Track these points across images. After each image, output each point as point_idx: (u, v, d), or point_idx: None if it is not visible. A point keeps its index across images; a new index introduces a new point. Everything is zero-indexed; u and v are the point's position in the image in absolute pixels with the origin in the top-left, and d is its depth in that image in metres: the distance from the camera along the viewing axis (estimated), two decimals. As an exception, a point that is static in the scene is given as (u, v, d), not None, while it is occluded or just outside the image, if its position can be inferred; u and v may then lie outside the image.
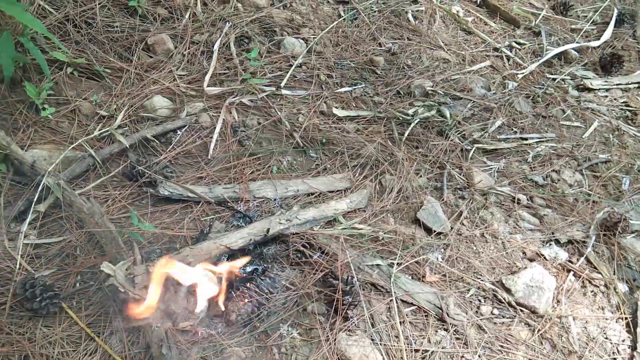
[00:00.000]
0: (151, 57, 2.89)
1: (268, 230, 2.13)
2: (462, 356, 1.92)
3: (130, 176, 2.33)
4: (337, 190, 2.53)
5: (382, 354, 1.86)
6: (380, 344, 1.90)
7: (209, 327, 1.85)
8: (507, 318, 2.12)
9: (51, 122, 2.44)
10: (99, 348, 1.74)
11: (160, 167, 2.38)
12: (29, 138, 2.35)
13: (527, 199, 2.71)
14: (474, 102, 3.23)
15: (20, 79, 2.48)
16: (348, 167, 2.65)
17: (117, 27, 2.90)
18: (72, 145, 2.30)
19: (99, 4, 2.90)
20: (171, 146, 2.53)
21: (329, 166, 2.65)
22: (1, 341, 1.71)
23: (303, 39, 3.30)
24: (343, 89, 3.10)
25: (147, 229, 2.07)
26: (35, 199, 2.07)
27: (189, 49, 2.99)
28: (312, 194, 2.49)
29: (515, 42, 3.92)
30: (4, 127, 2.33)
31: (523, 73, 3.61)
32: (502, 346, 1.98)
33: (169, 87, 2.76)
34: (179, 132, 2.61)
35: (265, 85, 2.94)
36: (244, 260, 1.99)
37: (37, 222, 2.06)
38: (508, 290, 2.19)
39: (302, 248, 2.18)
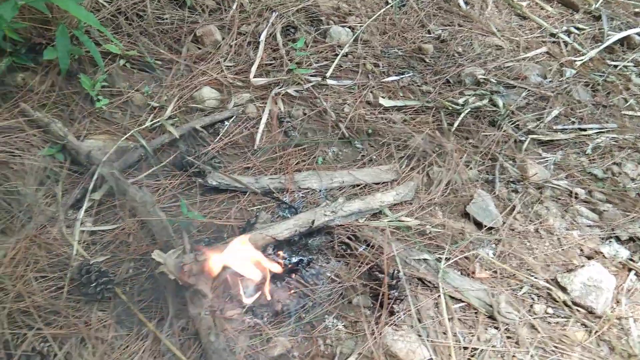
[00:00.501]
0: (200, 48, 2.93)
1: (313, 221, 2.12)
2: (514, 356, 1.85)
3: (180, 166, 2.37)
4: (383, 182, 2.48)
5: (429, 350, 1.82)
6: (428, 340, 1.86)
7: (255, 317, 1.86)
8: (562, 318, 2.03)
9: (105, 113, 2.52)
10: (150, 333, 1.79)
11: (208, 157, 2.41)
12: (85, 129, 2.44)
13: (586, 193, 2.58)
14: (528, 90, 3.09)
15: (75, 71, 2.57)
16: (394, 159, 2.60)
17: (167, 19, 2.95)
18: (125, 136, 2.36)
19: (150, -3, 2.96)
20: (219, 137, 2.56)
21: (374, 157, 2.61)
22: (59, 324, 1.79)
23: (349, 27, 3.26)
24: (390, 78, 3.04)
25: (196, 218, 2.10)
26: (90, 188, 2.15)
27: (236, 39, 3.00)
28: (358, 185, 2.46)
29: (574, 27, 3.72)
30: (61, 118, 2.42)
31: (582, 60, 3.42)
32: (556, 347, 1.90)
33: (217, 78, 2.79)
34: (226, 123, 2.63)
35: (311, 76, 2.92)
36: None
37: (93, 210, 2.14)
38: (564, 289, 2.09)
39: (347, 240, 2.16)
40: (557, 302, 2.06)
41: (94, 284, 1.84)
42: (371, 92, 2.92)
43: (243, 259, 1.84)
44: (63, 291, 1.88)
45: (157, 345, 1.77)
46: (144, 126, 2.47)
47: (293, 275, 1.98)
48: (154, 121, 2.50)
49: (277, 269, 1.92)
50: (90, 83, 2.50)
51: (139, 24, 2.87)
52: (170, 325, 1.82)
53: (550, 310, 2.03)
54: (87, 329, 1.79)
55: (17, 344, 1.71)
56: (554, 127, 2.91)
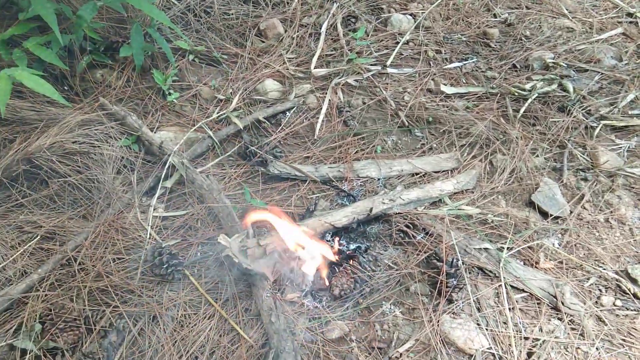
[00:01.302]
0: (263, 41, 3.02)
1: (371, 209, 2.15)
2: (578, 347, 1.80)
3: (244, 156, 2.48)
4: (444, 171, 2.46)
5: (487, 339, 1.80)
6: (487, 329, 1.84)
7: (314, 300, 1.93)
8: (632, 310, 1.93)
9: (176, 106, 2.67)
10: (216, 313, 1.90)
11: (270, 147, 2.50)
12: (157, 121, 2.60)
13: (664, 182, 2.42)
14: (602, 74, 2.92)
15: (149, 67, 2.74)
16: (456, 147, 2.56)
17: (232, 14, 3.06)
18: (194, 128, 2.50)
19: (216, -7, 3.08)
20: (280, 127, 2.64)
21: (435, 146, 2.59)
22: (134, 302, 1.95)
23: (411, 14, 3.23)
24: (452, 65, 2.98)
25: (258, 205, 2.19)
26: (162, 176, 2.30)
27: (297, 31, 3.07)
28: (417, 174, 2.45)
29: (656, 5, 3.46)
30: (136, 111, 2.60)
31: (664, 40, 3.18)
32: (624, 340, 1.82)
33: (279, 71, 2.87)
34: (287, 114, 2.71)
35: (371, 65, 2.93)
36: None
37: (165, 196, 2.29)
38: (634, 281, 1.99)
39: (405, 228, 2.17)
40: (627, 294, 1.96)
41: (165, 266, 1.97)
42: (432, 79, 2.88)
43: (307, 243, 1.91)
44: (137, 272, 2.03)
45: (223, 324, 1.88)
46: (211, 118, 2.59)
47: (351, 262, 2.02)
48: (220, 113, 2.62)
49: (332, 255, 1.97)
50: (162, 78, 2.66)
51: (207, 20, 3.00)
52: (235, 306, 1.92)
53: (619, 303, 1.94)
54: (159, 307, 1.92)
55: (96, 319, 1.87)
56: (629, 112, 2.74)
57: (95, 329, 1.83)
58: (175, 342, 1.83)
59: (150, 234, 2.15)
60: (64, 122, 2.29)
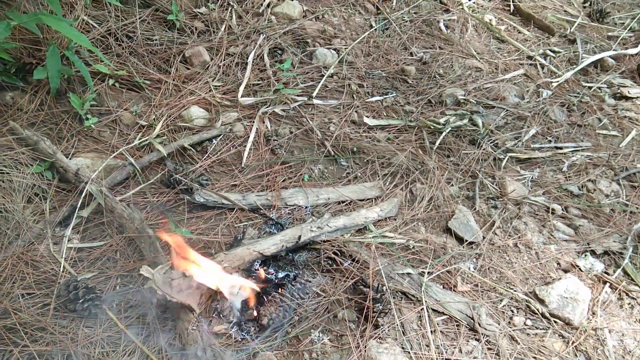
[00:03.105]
0: (188, 68, 3.00)
1: (300, 237, 2.17)
2: (494, 367, 1.91)
3: (168, 184, 2.41)
4: (368, 199, 2.55)
5: (412, 362, 1.86)
6: (411, 352, 1.90)
7: (242, 331, 1.89)
8: (541, 329, 2.09)
9: (94, 132, 2.56)
10: (137, 349, 1.80)
11: (196, 175, 2.45)
12: (73, 147, 2.47)
13: (562, 209, 2.67)
14: (507, 110, 3.20)
15: (65, 91, 2.61)
16: (379, 176, 2.67)
17: (156, 40, 3.02)
18: (114, 154, 2.40)
19: (139, 19, 3.02)
20: (207, 155, 2.61)
21: (359, 175, 2.68)
22: (45, 340, 1.80)
23: (335, 49, 3.36)
24: (374, 98, 3.13)
25: (183, 234, 2.13)
26: (78, 205, 2.17)
27: (224, 60, 3.08)
28: (343, 202, 2.52)
29: (550, 50, 3.87)
30: (49, 136, 2.45)
31: (558, 81, 3.56)
32: (535, 357, 1.95)
33: (205, 98, 2.85)
34: (214, 141, 2.68)
35: (298, 95, 3.00)
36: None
37: (80, 227, 2.16)
38: (542, 301, 2.16)
39: (333, 255, 2.20)
40: (536, 314, 2.12)
41: (81, 301, 1.85)
42: (356, 111, 3.00)
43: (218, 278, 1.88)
44: (50, 308, 1.89)
45: (145, 361, 1.79)
46: (132, 144, 2.51)
47: (280, 290, 2.02)
48: (142, 140, 2.54)
49: (257, 286, 1.95)
50: (79, 102, 2.54)
51: (129, 44, 2.93)
52: (158, 341, 1.84)
53: (529, 322, 2.10)
54: (74, 345, 1.79)
55: (3, 361, 1.71)
56: (532, 146, 3.02)
57: (-1, 372, 1.67)
58: (92, 382, 1.71)
59: (64, 267, 2.01)
60: (-33, 146, 2.11)
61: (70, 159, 2.37)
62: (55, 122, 2.53)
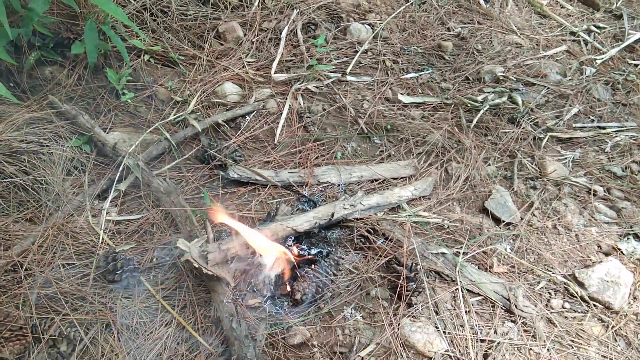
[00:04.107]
0: (222, 44, 2.98)
1: (333, 214, 2.15)
2: (530, 349, 1.87)
3: (202, 159, 2.43)
4: (402, 177, 2.51)
5: (446, 342, 1.84)
6: (445, 331, 1.88)
7: (275, 305, 1.90)
8: (579, 313, 2.03)
9: (130, 107, 2.58)
10: (174, 320, 1.84)
11: (229, 151, 2.46)
12: (110, 121, 2.50)
13: (604, 191, 2.57)
14: (548, 88, 3.08)
15: (102, 66, 2.64)
16: (413, 154, 2.62)
17: (190, 15, 3.01)
18: (150, 129, 2.42)
19: (174, -6, 3.01)
20: (240, 131, 2.61)
21: (393, 153, 2.64)
22: (85, 309, 1.85)
23: (369, 24, 3.28)
24: (409, 75, 3.06)
25: (219, 208, 2.15)
26: (116, 179, 2.21)
27: (257, 36, 3.05)
28: (376, 180, 2.49)
29: (594, 26, 3.69)
30: (87, 110, 2.49)
31: (602, 59, 3.40)
32: (572, 341, 1.91)
33: (239, 74, 2.83)
34: (247, 118, 2.68)
35: (331, 72, 2.95)
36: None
37: (118, 200, 2.20)
38: (581, 284, 2.10)
39: (366, 233, 2.19)
40: (575, 297, 2.06)
41: (119, 271, 1.89)
42: (390, 88, 2.94)
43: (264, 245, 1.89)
44: (89, 278, 1.94)
45: (180, 332, 1.82)
46: (167, 120, 2.52)
47: (312, 266, 2.02)
48: (177, 115, 2.55)
49: (292, 256, 1.96)
50: (116, 77, 2.56)
51: (163, 20, 2.93)
52: (193, 313, 1.87)
53: (567, 305, 2.04)
54: (112, 314, 1.84)
55: (45, 328, 1.77)
56: (573, 125, 2.91)
57: (43, 338, 1.73)
58: (130, 350, 1.75)
59: (102, 239, 2.06)
60: (10, 119, 2.16)
61: (107, 133, 2.41)
62: (93, 96, 2.56)
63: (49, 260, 1.96)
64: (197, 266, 1.79)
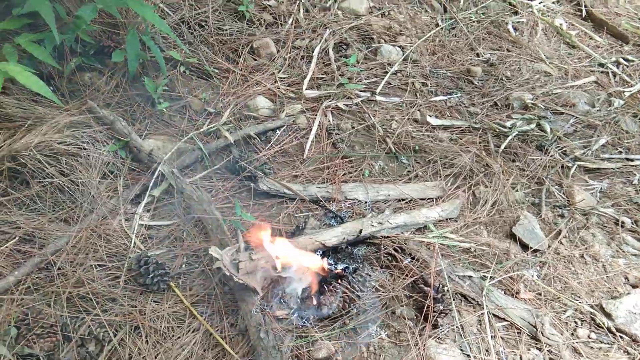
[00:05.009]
0: (255, 59, 3.05)
1: (361, 231, 2.17)
2: (557, 378, 1.85)
3: (233, 170, 2.46)
4: (429, 198, 2.52)
5: (471, 365, 1.84)
6: (471, 355, 1.87)
7: (302, 318, 1.91)
8: (606, 344, 2.01)
9: (165, 116, 2.64)
10: (201, 326, 1.85)
11: (259, 163, 2.49)
12: (146, 128, 2.56)
13: (632, 223, 2.56)
14: (576, 118, 3.09)
15: (139, 74, 2.71)
16: (440, 176, 2.63)
17: (226, 30, 3.08)
18: (185, 138, 2.47)
19: (211, 8, 3.10)
20: (270, 144, 2.65)
21: (420, 173, 2.66)
22: (115, 311, 1.88)
23: (400, 46, 3.33)
24: (438, 98, 3.09)
25: (248, 219, 2.18)
26: (150, 184, 2.25)
27: (290, 53, 3.11)
28: (403, 199, 2.50)
29: (623, 59, 3.71)
30: (124, 117, 2.55)
31: (631, 91, 3.40)
32: (600, 372, 1.89)
33: (271, 89, 2.89)
34: (277, 132, 2.72)
35: (361, 91, 3.00)
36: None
37: (151, 205, 2.24)
38: (608, 315, 2.08)
39: (392, 252, 2.19)
40: (601, 327, 2.05)
41: (151, 275, 1.92)
42: (419, 110, 2.97)
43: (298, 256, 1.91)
44: (120, 280, 1.97)
45: (207, 339, 1.84)
46: (201, 130, 2.58)
47: (339, 281, 2.03)
48: (210, 126, 2.60)
49: (323, 271, 1.97)
50: (153, 86, 2.63)
51: (200, 33, 3.01)
52: (220, 320, 1.89)
53: (593, 335, 2.02)
54: (141, 317, 1.86)
55: (75, 327, 1.79)
56: (601, 156, 2.90)
57: (73, 336, 1.76)
58: (158, 354, 1.77)
59: (134, 243, 2.09)
60: (52, 122, 2.23)
61: (143, 139, 2.46)
62: (130, 104, 2.63)
63: (82, 260, 2.00)
64: (228, 274, 1.82)
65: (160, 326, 1.86)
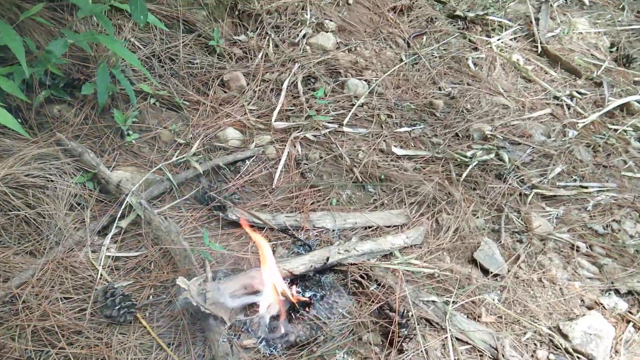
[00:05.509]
0: (225, 92, 3.12)
1: (328, 258, 2.22)
2: (518, 399, 1.91)
3: (202, 200, 2.50)
4: (394, 226, 2.60)
5: (436, 389, 1.88)
6: (435, 378, 1.92)
7: (269, 347, 1.93)
8: (564, 365, 2.09)
9: (134, 147, 2.67)
10: (169, 357, 1.85)
11: (229, 193, 2.54)
12: (114, 160, 2.58)
13: (587, 247, 2.69)
14: (533, 148, 3.25)
15: (108, 107, 2.74)
16: (405, 204, 2.72)
17: (197, 63, 3.16)
18: (153, 169, 2.50)
19: (182, 43, 3.18)
20: (239, 174, 2.70)
21: (386, 202, 2.74)
22: (80, 344, 1.87)
23: (366, 80, 3.46)
24: (402, 129, 3.21)
25: (216, 249, 2.21)
26: (118, 216, 2.27)
27: (260, 86, 3.20)
28: (370, 227, 2.57)
29: (576, 92, 3.93)
30: (92, 149, 2.57)
31: (584, 122, 3.60)
32: (559, 393, 1.96)
33: (240, 120, 2.96)
34: (247, 162, 2.78)
35: (329, 122, 3.09)
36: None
37: (118, 236, 2.25)
38: (565, 336, 2.17)
39: (359, 278, 2.25)
40: (559, 348, 2.13)
41: (117, 307, 1.92)
42: (384, 140, 3.08)
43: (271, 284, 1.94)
44: (86, 313, 1.96)
45: (174, 370, 1.84)
46: (170, 161, 2.61)
47: (307, 309, 2.06)
48: (179, 157, 2.64)
49: (291, 298, 2.01)
50: (122, 118, 2.66)
51: (171, 66, 3.07)
52: (187, 351, 1.89)
53: (552, 357, 2.10)
54: (107, 350, 1.85)
55: (39, 361, 1.78)
56: (557, 184, 3.05)
57: (37, 371, 1.73)
58: (124, 387, 1.76)
59: (101, 274, 2.09)
60: (19, 154, 2.23)
61: (111, 171, 2.48)
62: (99, 135, 2.65)
63: (47, 293, 1.98)
64: (195, 304, 1.83)
65: (127, 358, 1.85)
